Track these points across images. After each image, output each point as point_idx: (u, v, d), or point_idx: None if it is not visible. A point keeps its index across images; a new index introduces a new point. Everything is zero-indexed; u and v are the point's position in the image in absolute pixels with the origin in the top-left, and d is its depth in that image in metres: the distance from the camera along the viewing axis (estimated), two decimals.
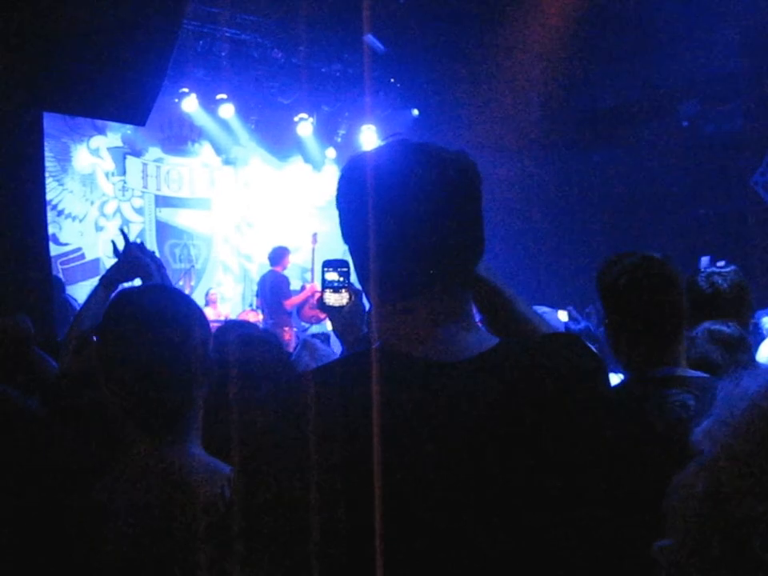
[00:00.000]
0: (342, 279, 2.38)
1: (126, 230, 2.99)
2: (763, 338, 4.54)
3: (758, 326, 4.83)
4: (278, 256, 10.76)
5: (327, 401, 1.24)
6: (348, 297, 2.37)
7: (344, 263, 2.40)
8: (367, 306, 1.86)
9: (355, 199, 1.35)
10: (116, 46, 6.17)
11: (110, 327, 1.82)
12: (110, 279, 2.88)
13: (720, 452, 1.00)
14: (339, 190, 1.38)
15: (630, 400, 2.28)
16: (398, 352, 1.31)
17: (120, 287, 2.88)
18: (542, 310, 4.54)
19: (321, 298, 2.41)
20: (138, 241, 2.92)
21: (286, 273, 10.84)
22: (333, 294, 2.37)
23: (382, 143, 1.39)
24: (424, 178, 1.30)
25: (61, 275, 11.42)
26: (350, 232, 1.38)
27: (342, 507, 1.20)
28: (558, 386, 1.28)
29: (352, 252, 1.40)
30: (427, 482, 1.22)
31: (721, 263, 3.42)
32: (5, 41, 6.04)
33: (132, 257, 2.81)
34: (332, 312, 2.49)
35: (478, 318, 1.63)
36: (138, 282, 2.81)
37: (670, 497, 1.07)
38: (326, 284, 2.38)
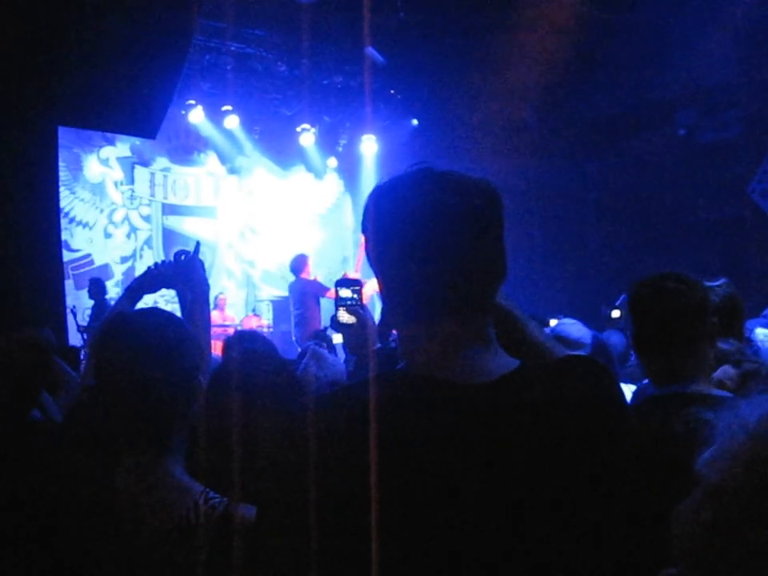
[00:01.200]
0: (354, 297, 2.47)
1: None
2: (757, 347, 4.57)
3: (750, 335, 4.86)
4: (300, 264, 10.75)
5: (347, 426, 1.26)
6: (360, 314, 2.45)
7: (357, 282, 2.49)
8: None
9: (382, 226, 1.37)
10: (128, 63, 6.29)
11: (104, 345, 1.87)
12: (136, 289, 2.94)
13: (724, 481, 0.99)
14: (366, 216, 1.40)
15: (651, 415, 2.28)
16: (421, 374, 1.33)
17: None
18: (568, 321, 4.61)
19: (334, 316, 2.49)
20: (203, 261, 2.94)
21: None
22: (346, 312, 2.45)
23: (407, 170, 1.41)
24: (448, 205, 1.33)
25: (71, 281, 11.53)
26: (377, 257, 1.39)
27: (365, 527, 1.19)
28: (578, 407, 1.31)
29: (378, 276, 1.40)
30: (451, 504, 1.23)
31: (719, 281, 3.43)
32: (22, 59, 6.15)
33: (182, 268, 2.86)
34: (345, 329, 2.55)
35: None
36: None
37: (675, 524, 1.07)
38: (339, 302, 2.45)
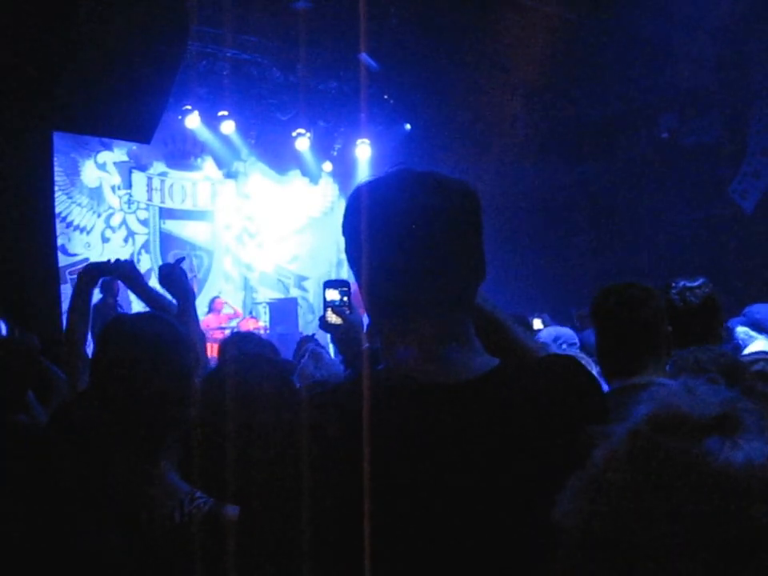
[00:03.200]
0: (342, 299, 2.45)
1: (186, 261, 3.00)
2: (736, 345, 4.58)
3: (731, 333, 4.87)
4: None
5: (331, 426, 1.25)
6: (347, 316, 2.44)
7: (344, 283, 2.46)
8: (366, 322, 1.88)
9: (360, 226, 1.35)
10: (123, 67, 6.27)
11: (104, 350, 1.88)
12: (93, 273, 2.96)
13: (604, 472, 0.95)
14: (346, 217, 1.39)
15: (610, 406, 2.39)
16: (401, 374, 1.31)
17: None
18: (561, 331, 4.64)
19: (323, 317, 2.47)
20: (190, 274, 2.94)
21: None
22: (333, 313, 2.44)
23: (387, 171, 1.40)
24: (427, 205, 1.31)
25: (68, 285, 11.49)
26: (356, 257, 1.37)
27: (345, 523, 1.19)
28: (555, 406, 1.29)
29: (357, 276, 1.39)
30: (429, 501, 1.22)
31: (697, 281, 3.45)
32: (16, 64, 6.12)
33: (164, 278, 2.89)
34: (333, 329, 2.53)
35: None
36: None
37: (557, 509, 1.01)
38: (327, 303, 2.43)
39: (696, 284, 3.35)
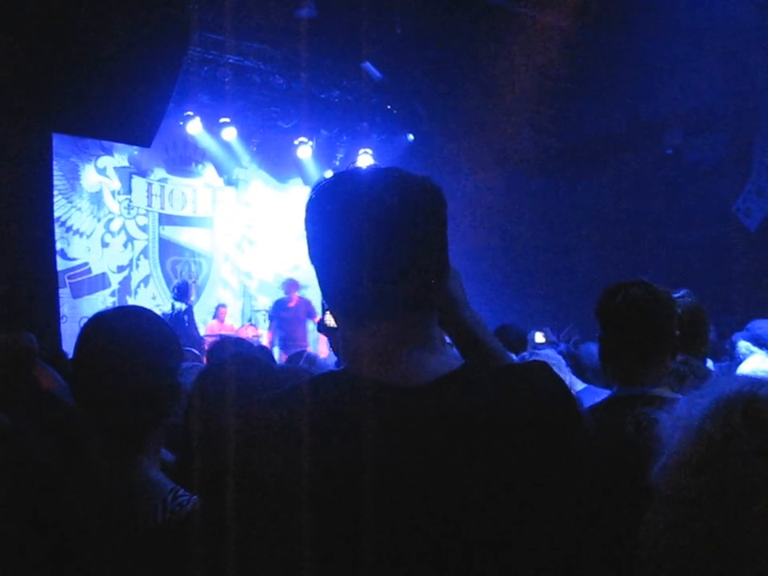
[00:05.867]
0: None
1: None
2: (738, 359, 4.56)
3: (734, 347, 4.86)
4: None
5: (286, 426, 1.22)
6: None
7: None
8: None
9: (320, 222, 1.33)
10: (123, 71, 6.21)
11: (86, 344, 1.83)
12: None
13: (678, 490, 0.96)
14: (306, 213, 1.35)
15: (607, 416, 2.34)
16: (358, 375, 1.28)
17: None
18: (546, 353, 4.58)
19: (322, 319, 2.41)
20: None
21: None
22: (330, 316, 2.38)
23: (348, 168, 1.37)
24: (386, 202, 1.27)
25: (67, 289, 11.43)
26: (315, 254, 1.35)
27: (293, 526, 1.17)
28: (517, 410, 1.25)
29: (318, 274, 1.36)
30: (379, 505, 1.18)
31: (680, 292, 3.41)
32: (16, 65, 6.07)
33: None
34: (332, 332, 2.49)
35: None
36: None
37: (644, 541, 1.01)
38: (326, 306, 2.38)
39: (678, 294, 3.29)
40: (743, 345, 4.77)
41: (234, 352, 3.03)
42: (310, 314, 11.29)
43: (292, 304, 11.37)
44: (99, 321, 1.88)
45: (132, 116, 6.51)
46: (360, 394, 1.24)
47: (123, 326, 1.82)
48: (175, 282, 11.97)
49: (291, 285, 11.47)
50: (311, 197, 1.35)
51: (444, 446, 1.20)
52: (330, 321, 2.38)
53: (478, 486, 1.19)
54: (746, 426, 0.94)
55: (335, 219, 1.29)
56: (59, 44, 6.01)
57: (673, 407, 2.05)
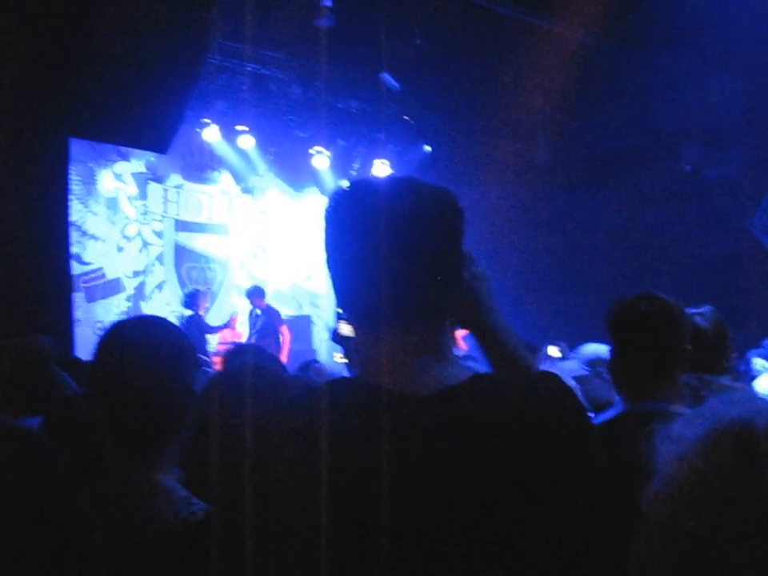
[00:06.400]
0: None
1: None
2: (754, 376, 4.53)
3: (748, 364, 4.82)
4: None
5: (298, 431, 1.24)
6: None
7: None
8: None
9: (336, 231, 1.34)
10: (141, 77, 6.23)
11: (104, 354, 1.85)
12: None
13: (671, 518, 0.93)
14: (323, 222, 1.37)
15: (617, 432, 2.28)
16: (367, 383, 1.30)
17: None
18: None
19: (335, 329, 2.41)
20: None
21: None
22: (346, 325, 2.37)
23: (365, 177, 1.42)
24: (401, 212, 1.28)
25: (82, 293, 11.44)
26: (331, 262, 1.36)
27: (304, 534, 1.18)
28: (524, 422, 1.25)
29: (333, 282, 1.37)
30: (387, 513, 1.18)
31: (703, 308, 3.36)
32: (34, 69, 6.09)
33: None
34: (345, 342, 2.49)
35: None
36: None
37: (634, 564, 0.98)
38: (339, 315, 2.38)
39: (703, 310, 3.27)
40: (758, 362, 4.77)
41: (243, 360, 3.01)
42: (277, 322, 11.28)
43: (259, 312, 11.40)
44: (118, 330, 1.90)
45: (149, 122, 6.53)
46: (370, 402, 1.25)
47: (141, 336, 1.86)
48: (187, 289, 11.96)
49: (258, 293, 11.48)
50: (328, 206, 1.36)
51: (450, 455, 1.21)
52: (343, 330, 2.37)
53: (482, 496, 1.19)
54: (737, 462, 0.90)
55: (350, 228, 1.31)
56: (78, 49, 6.03)
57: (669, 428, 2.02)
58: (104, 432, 1.85)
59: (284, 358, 10.43)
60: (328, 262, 1.36)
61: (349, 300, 1.36)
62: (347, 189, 1.37)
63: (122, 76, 6.10)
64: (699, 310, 3.25)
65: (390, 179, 1.38)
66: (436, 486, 1.19)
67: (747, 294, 10.79)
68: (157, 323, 1.96)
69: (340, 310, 2.35)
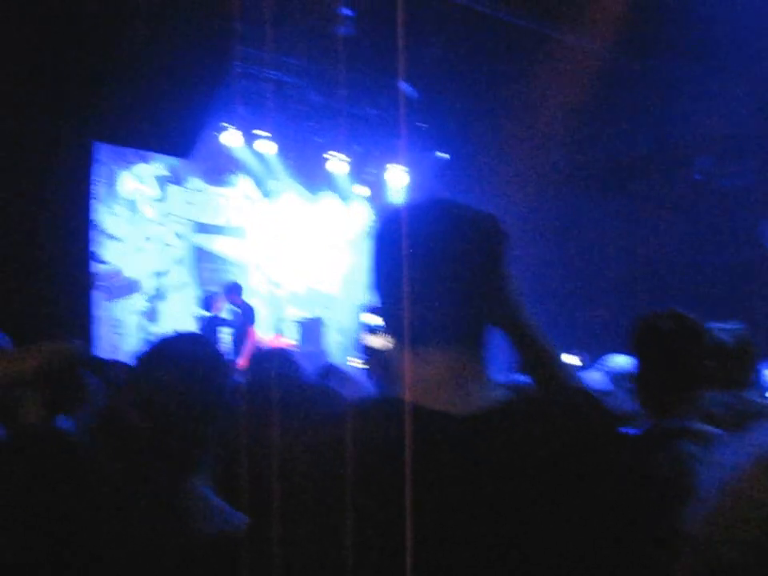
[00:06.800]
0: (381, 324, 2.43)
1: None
2: (765, 390, 4.49)
3: (759, 376, 4.77)
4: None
5: (340, 449, 1.24)
6: (387, 340, 2.41)
7: None
8: None
9: (383, 251, 1.38)
10: (166, 84, 6.33)
11: (149, 366, 1.94)
12: None
13: (711, 538, 0.94)
14: (371, 241, 1.41)
15: (641, 447, 2.35)
16: (408, 401, 1.29)
17: None
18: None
19: (360, 340, 2.45)
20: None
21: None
22: (374, 337, 2.42)
23: (416, 200, 1.41)
24: (448, 237, 1.32)
25: (100, 292, 11.55)
26: (377, 281, 1.39)
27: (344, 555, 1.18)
28: (560, 443, 1.28)
29: (378, 299, 1.40)
30: (430, 534, 1.21)
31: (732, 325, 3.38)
32: (61, 75, 6.20)
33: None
34: (371, 353, 2.52)
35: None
36: None
37: None
38: (366, 327, 2.41)
39: (731, 326, 3.31)
40: None
41: (268, 366, 3.07)
42: (250, 321, 11.15)
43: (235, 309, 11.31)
44: (162, 345, 2.00)
45: (173, 128, 6.65)
46: (412, 421, 1.26)
47: (183, 351, 1.95)
48: (205, 291, 12.08)
49: (235, 289, 11.39)
50: (375, 226, 1.41)
51: (493, 475, 1.23)
52: (370, 341, 2.43)
53: (520, 515, 1.22)
54: None
55: (396, 250, 1.33)
56: (106, 57, 6.13)
57: (710, 448, 2.06)
58: (144, 440, 1.89)
59: (244, 359, 10.27)
60: (374, 281, 1.40)
61: (393, 320, 1.37)
62: (393, 211, 1.40)
63: (147, 83, 6.21)
64: (726, 326, 3.29)
65: (435, 202, 1.39)
66: (477, 504, 1.22)
67: (757, 303, 10.78)
68: (197, 340, 2.06)
69: (368, 322, 2.43)
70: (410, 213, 1.37)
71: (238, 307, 11.15)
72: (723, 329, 3.27)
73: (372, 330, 2.44)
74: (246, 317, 11.09)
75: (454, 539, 1.21)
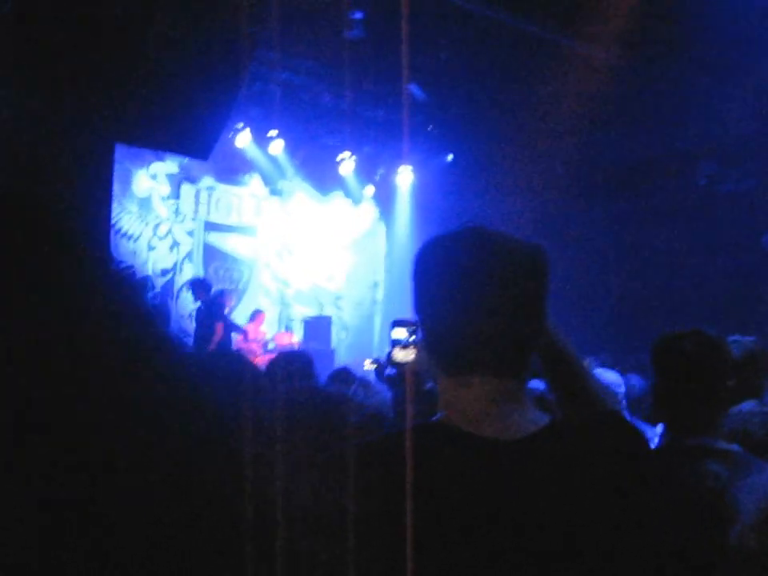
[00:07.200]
0: (409, 338, 2.50)
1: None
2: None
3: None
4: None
5: (385, 476, 1.27)
6: (415, 353, 2.51)
7: (413, 322, 2.50)
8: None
9: (428, 279, 1.40)
10: (186, 87, 6.42)
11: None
12: None
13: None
14: (415, 268, 1.42)
15: (667, 465, 2.37)
16: (455, 427, 1.34)
17: None
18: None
19: (389, 354, 2.53)
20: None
21: None
22: (401, 351, 2.50)
23: (458, 229, 1.43)
24: (492, 267, 1.35)
25: None
26: (421, 307, 1.41)
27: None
28: (601, 465, 1.33)
29: (422, 325, 1.42)
30: (477, 556, 1.24)
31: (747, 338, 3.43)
32: (82, 77, 6.29)
33: None
34: (399, 367, 2.57)
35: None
36: None
37: None
38: (394, 341, 2.49)
39: (741, 339, 3.36)
40: None
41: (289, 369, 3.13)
42: (217, 317, 10.77)
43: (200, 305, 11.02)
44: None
45: (192, 130, 6.73)
46: (458, 447, 1.31)
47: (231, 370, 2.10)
48: (215, 288, 12.08)
49: (201, 285, 11.11)
50: (420, 253, 1.43)
51: (535, 497, 1.27)
52: (397, 355, 2.49)
53: (570, 535, 1.26)
54: None
55: (441, 278, 1.38)
56: (122, 60, 6.23)
57: (740, 470, 2.09)
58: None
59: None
60: (418, 305, 1.42)
61: (437, 345, 1.40)
62: (444, 237, 1.42)
63: (167, 86, 6.32)
64: (739, 339, 3.34)
65: (483, 233, 1.41)
66: (526, 527, 1.25)
67: (760, 308, 10.83)
68: (238, 359, 2.19)
69: (399, 336, 2.49)
70: (457, 242, 1.40)
71: (203, 303, 10.84)
72: (736, 341, 3.29)
73: (402, 344, 2.50)
74: (212, 313, 10.74)
75: (499, 559, 1.24)
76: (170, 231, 12.86)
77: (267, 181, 13.86)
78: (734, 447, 2.39)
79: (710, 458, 2.30)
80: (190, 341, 10.40)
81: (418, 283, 1.42)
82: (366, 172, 14.30)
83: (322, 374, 5.05)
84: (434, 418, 1.39)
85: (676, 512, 1.94)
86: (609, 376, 4.73)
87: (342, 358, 12.74)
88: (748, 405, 2.79)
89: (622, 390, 4.77)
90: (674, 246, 12.14)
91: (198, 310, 10.93)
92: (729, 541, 1.31)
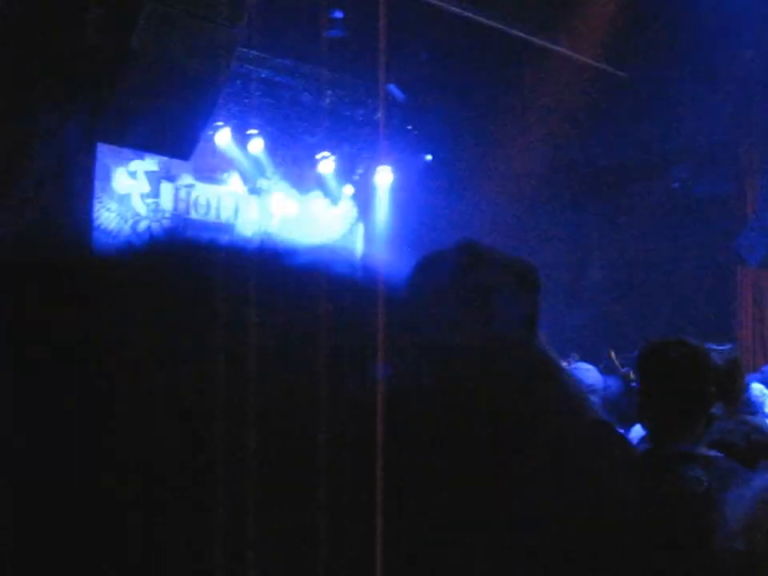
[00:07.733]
0: None
1: None
2: (754, 402, 4.52)
3: (746, 390, 4.81)
4: None
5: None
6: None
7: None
8: None
9: (420, 295, 1.38)
10: (169, 88, 6.39)
11: None
12: None
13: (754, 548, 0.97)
14: (412, 281, 1.42)
15: (650, 470, 2.37)
16: None
17: None
18: (582, 366, 4.64)
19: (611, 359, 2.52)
20: None
21: None
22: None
23: (452, 245, 1.45)
24: (485, 283, 1.37)
25: None
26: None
27: None
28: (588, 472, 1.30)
29: None
30: None
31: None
32: (64, 77, 6.24)
33: None
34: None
35: None
36: None
37: None
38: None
39: (721, 347, 3.43)
40: (756, 387, 4.67)
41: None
42: None
43: None
44: None
45: (174, 131, 6.69)
46: None
47: None
48: None
49: None
50: (416, 269, 1.44)
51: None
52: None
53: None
54: None
55: (432, 293, 1.38)
56: (105, 59, 6.18)
57: (724, 479, 2.13)
58: None
59: None
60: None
61: None
62: (437, 254, 1.45)
63: (150, 87, 6.28)
64: (717, 347, 3.37)
65: (472, 250, 1.43)
66: None
67: (731, 309, 10.93)
68: None
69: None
70: (450, 260, 1.42)
71: None
72: (715, 350, 3.34)
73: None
74: None
75: None
76: (148, 228, 12.73)
77: (246, 179, 13.77)
78: (716, 454, 2.44)
79: (691, 464, 2.34)
80: None
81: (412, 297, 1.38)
82: (345, 171, 14.24)
83: None
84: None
85: (657, 515, 1.88)
86: (590, 374, 4.73)
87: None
88: (730, 422, 2.84)
89: (601, 386, 4.78)
90: (650, 247, 12.23)
91: None
92: (712, 544, 1.31)
